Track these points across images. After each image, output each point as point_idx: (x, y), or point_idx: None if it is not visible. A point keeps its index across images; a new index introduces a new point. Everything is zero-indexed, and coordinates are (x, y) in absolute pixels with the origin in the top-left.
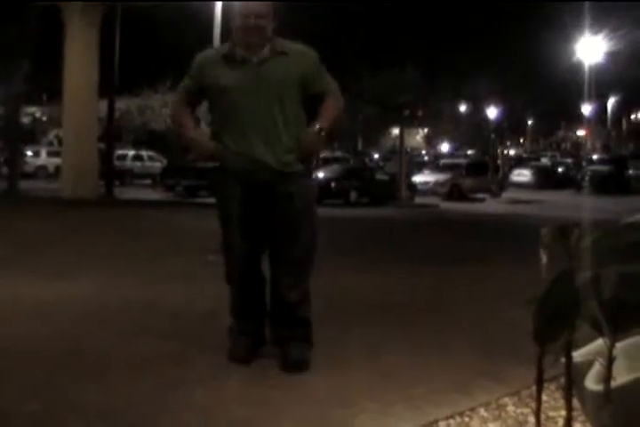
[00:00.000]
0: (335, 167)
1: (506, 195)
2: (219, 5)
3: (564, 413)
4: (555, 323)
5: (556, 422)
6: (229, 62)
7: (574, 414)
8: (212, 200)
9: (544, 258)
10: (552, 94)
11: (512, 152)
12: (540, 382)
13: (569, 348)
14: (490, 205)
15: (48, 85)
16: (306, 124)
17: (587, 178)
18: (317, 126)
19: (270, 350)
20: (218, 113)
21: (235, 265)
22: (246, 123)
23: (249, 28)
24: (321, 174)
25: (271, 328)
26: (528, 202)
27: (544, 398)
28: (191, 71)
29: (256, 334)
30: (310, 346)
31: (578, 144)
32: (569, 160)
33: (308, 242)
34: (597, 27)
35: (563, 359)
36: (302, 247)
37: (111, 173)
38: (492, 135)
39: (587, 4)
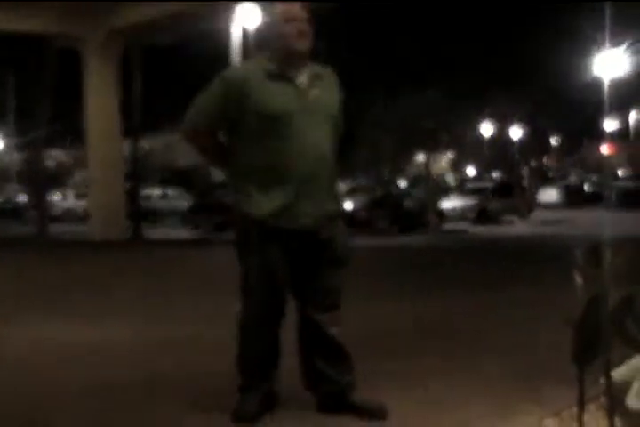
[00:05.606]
0: (361, 197)
1: (534, 215)
2: (237, 42)
3: None
4: (592, 344)
5: None
6: (276, 82)
7: None
8: None
9: (578, 279)
10: (574, 111)
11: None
12: (581, 404)
13: (608, 368)
14: (518, 227)
15: (70, 128)
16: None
17: (613, 194)
18: None
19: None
20: (256, 144)
21: (256, 311)
22: (293, 161)
23: (302, 34)
24: (347, 204)
25: (306, 369)
26: (556, 222)
27: (585, 418)
28: (223, 88)
29: (269, 390)
30: None
31: (602, 161)
32: (595, 177)
33: (340, 285)
34: (617, 40)
35: (602, 379)
36: (337, 289)
37: (139, 214)
38: (517, 156)
39: (606, 18)
